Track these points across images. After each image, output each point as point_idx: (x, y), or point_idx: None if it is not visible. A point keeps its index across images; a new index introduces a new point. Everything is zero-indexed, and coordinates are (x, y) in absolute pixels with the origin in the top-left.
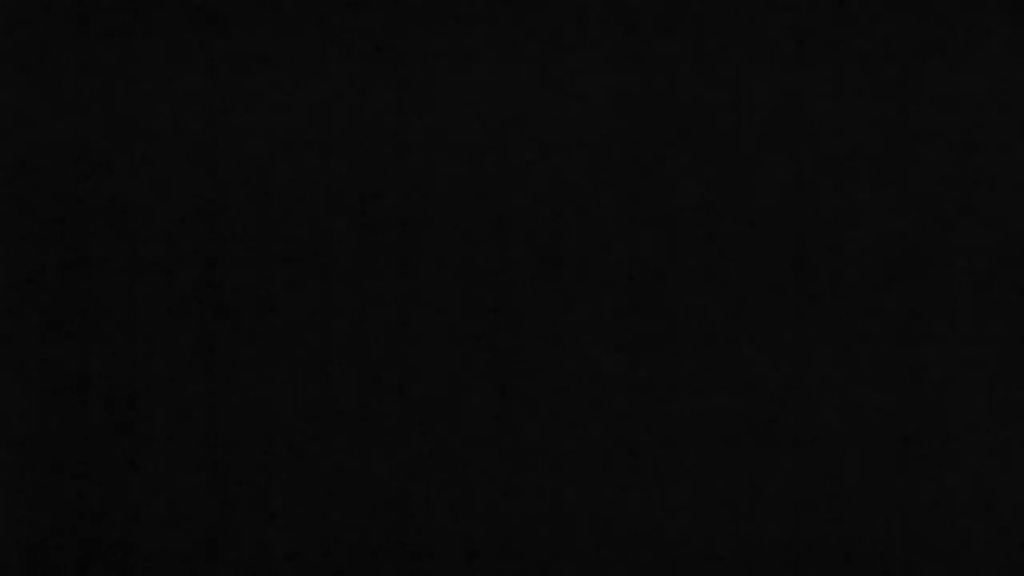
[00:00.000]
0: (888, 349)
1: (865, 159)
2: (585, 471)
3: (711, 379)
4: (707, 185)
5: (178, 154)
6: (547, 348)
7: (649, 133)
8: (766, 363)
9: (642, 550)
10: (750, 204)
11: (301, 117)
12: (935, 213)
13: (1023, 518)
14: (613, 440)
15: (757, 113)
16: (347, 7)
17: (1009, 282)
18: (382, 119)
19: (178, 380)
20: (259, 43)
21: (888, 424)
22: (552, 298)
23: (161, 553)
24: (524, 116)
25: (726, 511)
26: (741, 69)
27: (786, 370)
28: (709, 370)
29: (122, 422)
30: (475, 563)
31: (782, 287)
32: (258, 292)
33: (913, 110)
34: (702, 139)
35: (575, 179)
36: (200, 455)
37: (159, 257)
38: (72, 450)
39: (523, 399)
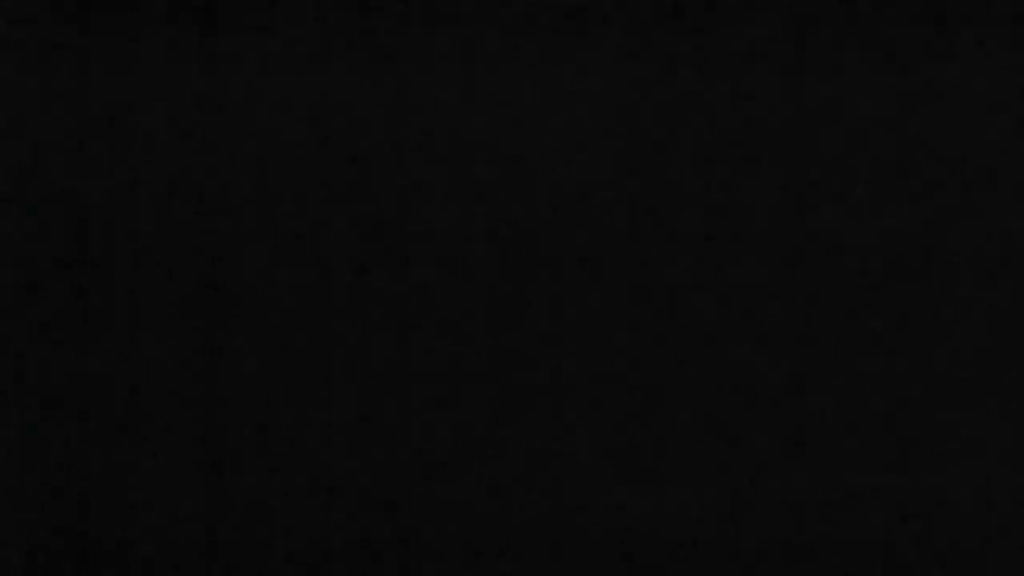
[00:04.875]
0: (888, 349)
1: (865, 159)
2: (585, 471)
3: (711, 379)
4: (707, 185)
5: (178, 153)
6: (547, 348)
7: (649, 133)
8: (766, 363)
9: (642, 550)
10: (750, 204)
11: (301, 117)
12: (935, 213)
13: (1023, 518)
14: (613, 440)
15: (757, 113)
16: (347, 7)
17: (1009, 282)
18: (382, 119)
19: (178, 380)
20: (259, 43)
21: (888, 424)
22: (552, 298)
23: (161, 553)
24: (524, 116)
25: (726, 511)
26: (741, 69)
27: (786, 370)
28: (709, 370)
29: (122, 422)
30: (475, 563)
31: (782, 287)
32: (258, 292)
33: (913, 110)
34: (702, 139)
35: (575, 179)
36: (200, 455)
37: (159, 257)
38: (72, 450)
39: (523, 399)
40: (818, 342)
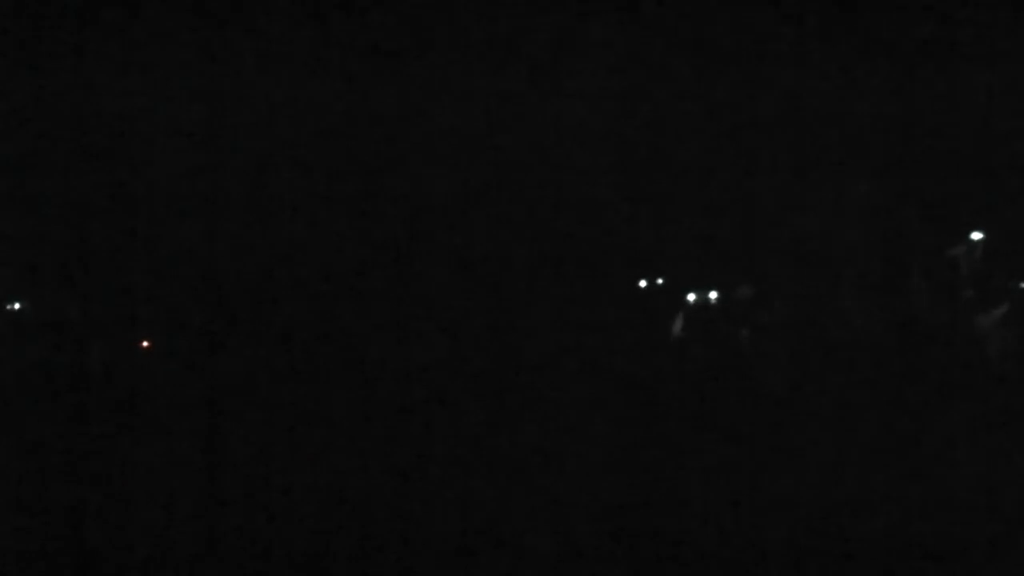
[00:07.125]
0: (888, 349)
1: (865, 158)
2: (584, 471)
3: (711, 379)
4: (707, 184)
5: (178, 153)
6: (547, 348)
7: (649, 133)
8: (767, 363)
9: (642, 550)
10: (750, 204)
11: (301, 117)
12: (935, 212)
13: (1023, 518)
14: (613, 440)
15: (757, 113)
16: (347, 7)
17: (1009, 282)
18: (382, 119)
19: (178, 380)
20: (259, 43)
21: (888, 425)
22: (552, 298)
23: (161, 553)
24: (524, 116)
25: (727, 511)
26: (741, 69)
27: (788, 370)
28: (709, 370)
29: (122, 422)
30: (475, 563)
31: (782, 287)
32: (258, 292)
33: (913, 109)
34: (702, 138)
35: (575, 178)
36: (200, 455)
37: (159, 257)
38: (72, 450)
39: (523, 399)
40: (818, 341)
